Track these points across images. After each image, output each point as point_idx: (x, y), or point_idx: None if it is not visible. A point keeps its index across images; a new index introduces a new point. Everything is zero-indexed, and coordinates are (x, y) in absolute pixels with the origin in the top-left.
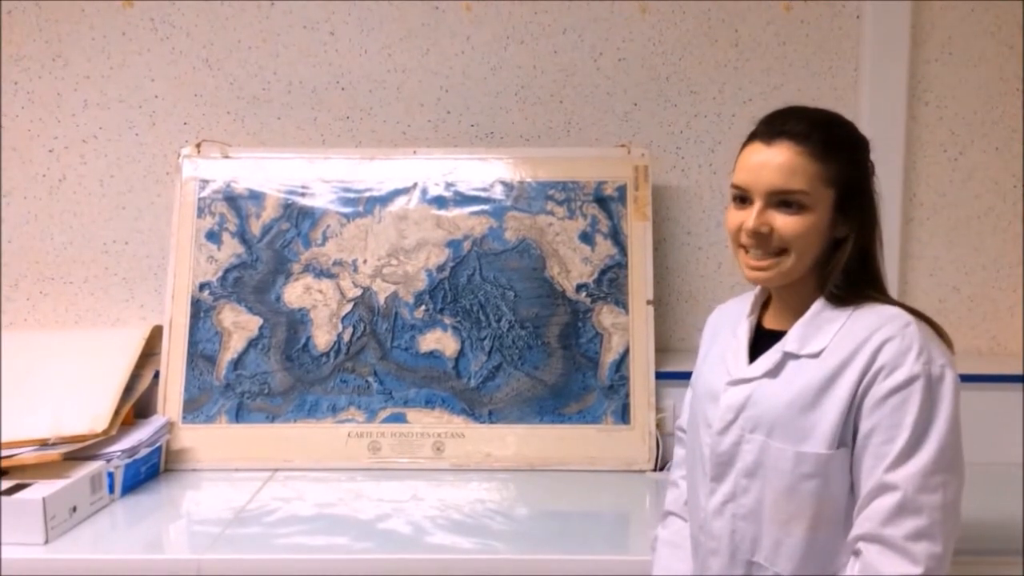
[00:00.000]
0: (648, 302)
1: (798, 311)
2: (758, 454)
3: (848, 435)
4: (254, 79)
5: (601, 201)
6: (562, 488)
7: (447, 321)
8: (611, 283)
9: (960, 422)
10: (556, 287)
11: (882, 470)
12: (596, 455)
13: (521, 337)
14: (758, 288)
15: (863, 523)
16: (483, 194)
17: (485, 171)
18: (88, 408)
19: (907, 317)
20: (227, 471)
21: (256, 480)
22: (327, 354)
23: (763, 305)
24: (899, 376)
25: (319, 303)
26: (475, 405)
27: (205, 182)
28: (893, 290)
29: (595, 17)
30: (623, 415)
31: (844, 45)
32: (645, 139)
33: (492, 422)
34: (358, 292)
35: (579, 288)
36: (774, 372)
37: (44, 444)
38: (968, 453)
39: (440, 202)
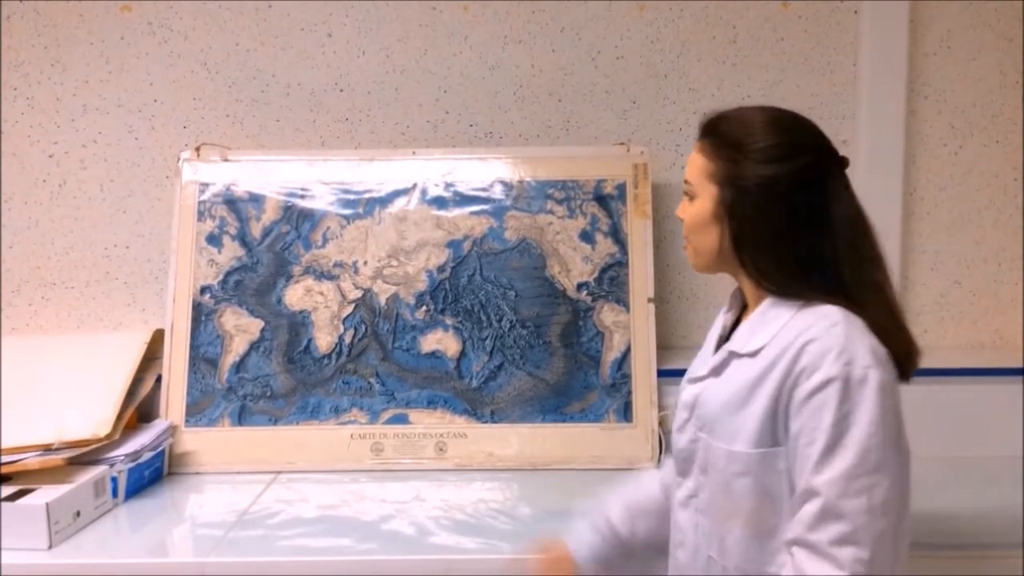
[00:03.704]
0: (649, 300)
1: (753, 309)
2: (704, 452)
3: (780, 435)
4: (253, 82)
5: (601, 200)
6: (565, 487)
7: (448, 321)
8: (612, 281)
9: (895, 422)
10: (557, 286)
11: (807, 474)
12: (599, 454)
13: (522, 337)
14: (736, 288)
15: (794, 527)
16: (483, 194)
17: (484, 171)
18: (91, 413)
19: (836, 317)
20: (230, 474)
21: (259, 483)
22: (329, 356)
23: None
24: (817, 378)
25: (320, 305)
26: (477, 405)
27: (205, 185)
28: (894, 284)
29: (593, 16)
30: (625, 413)
31: (842, 40)
32: (644, 137)
33: (494, 422)
34: (359, 294)
35: (580, 287)
36: (719, 370)
37: (47, 449)
38: (969, 447)
39: (440, 202)
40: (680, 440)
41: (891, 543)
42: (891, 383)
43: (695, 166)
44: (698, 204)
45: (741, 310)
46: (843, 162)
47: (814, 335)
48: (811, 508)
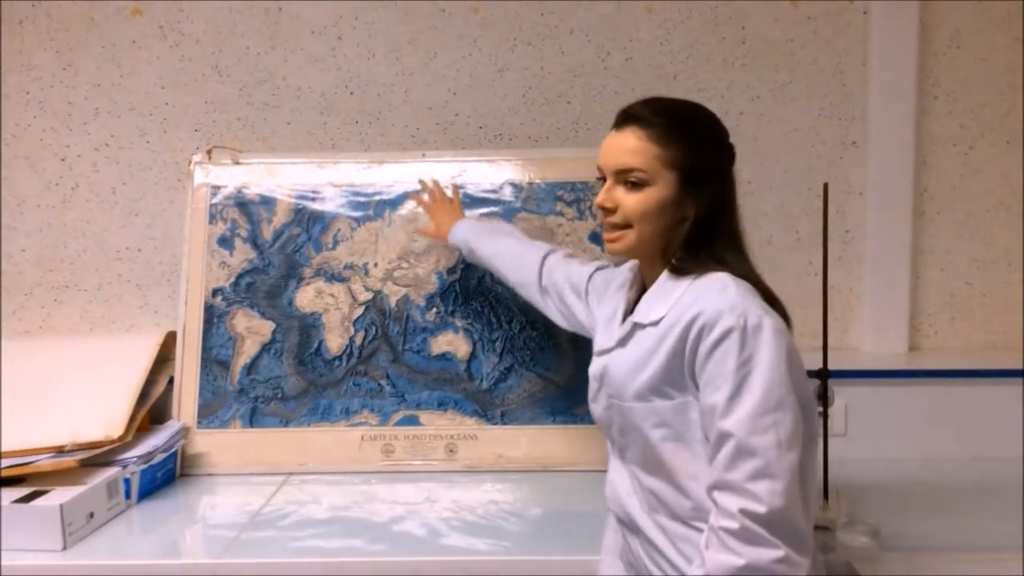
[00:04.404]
0: None
1: (650, 284)
2: (621, 416)
3: (687, 388)
4: (263, 85)
5: None
6: (575, 488)
7: (458, 323)
8: None
9: (793, 363)
10: None
11: (717, 419)
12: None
13: (532, 338)
14: (635, 264)
15: (712, 472)
16: (492, 196)
17: (494, 173)
18: (104, 414)
19: (727, 281)
20: (242, 475)
21: (271, 484)
22: (340, 358)
23: None
24: (716, 332)
25: (331, 307)
26: (487, 407)
27: (216, 188)
28: (904, 285)
29: (602, 17)
30: None
31: (852, 41)
32: None
33: (504, 423)
34: (369, 296)
35: None
36: (624, 341)
37: (61, 451)
38: (969, 447)
39: None
40: (596, 410)
41: (798, 475)
42: (784, 329)
43: (647, 154)
44: (654, 191)
45: (641, 286)
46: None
47: (709, 297)
48: (725, 450)
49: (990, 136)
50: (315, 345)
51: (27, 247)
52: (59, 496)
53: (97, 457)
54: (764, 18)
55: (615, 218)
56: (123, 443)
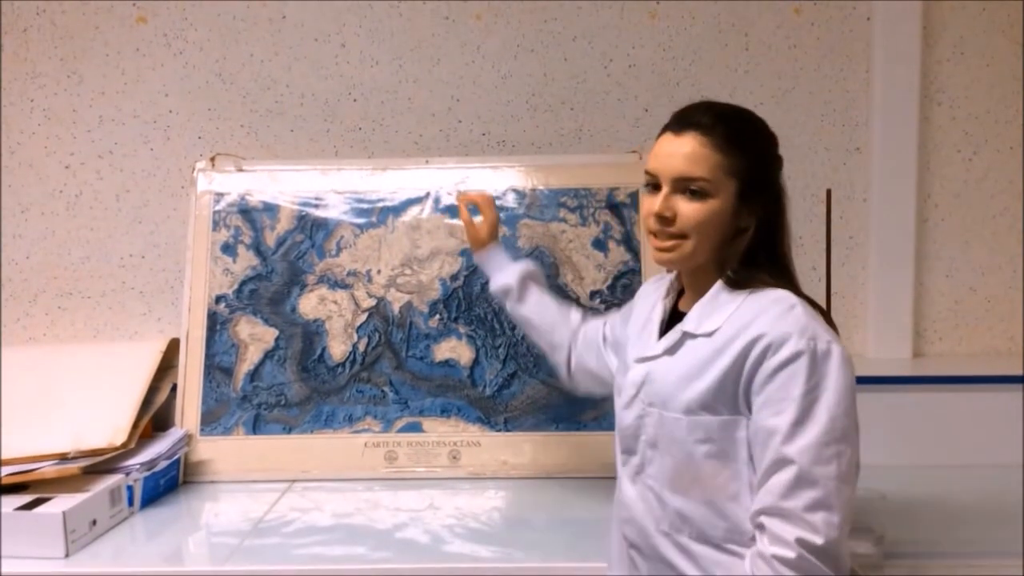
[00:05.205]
0: None
1: (702, 294)
2: (657, 427)
3: (738, 406)
4: (267, 92)
5: (614, 207)
6: (579, 495)
7: (461, 330)
8: (625, 289)
9: (854, 393)
10: (570, 294)
11: (777, 444)
12: (612, 462)
13: (536, 345)
14: (675, 272)
15: (764, 497)
16: (496, 202)
17: (497, 179)
18: (107, 421)
19: (792, 300)
20: (245, 482)
21: (274, 491)
22: (343, 364)
23: (683, 288)
24: (784, 352)
25: (334, 314)
26: (491, 413)
27: (220, 195)
28: (908, 291)
29: (605, 24)
30: None
31: (855, 47)
32: None
33: (508, 430)
34: (372, 302)
35: (593, 295)
36: (672, 350)
37: (64, 458)
38: (974, 454)
39: (453, 211)
40: (627, 417)
41: (850, 507)
42: (849, 357)
43: (709, 161)
44: (715, 202)
45: (677, 295)
46: None
47: (774, 315)
48: (784, 476)
49: (994, 142)
50: (318, 352)
51: (31, 254)
52: (62, 503)
53: (100, 464)
54: (767, 24)
55: (674, 228)
56: (126, 450)
